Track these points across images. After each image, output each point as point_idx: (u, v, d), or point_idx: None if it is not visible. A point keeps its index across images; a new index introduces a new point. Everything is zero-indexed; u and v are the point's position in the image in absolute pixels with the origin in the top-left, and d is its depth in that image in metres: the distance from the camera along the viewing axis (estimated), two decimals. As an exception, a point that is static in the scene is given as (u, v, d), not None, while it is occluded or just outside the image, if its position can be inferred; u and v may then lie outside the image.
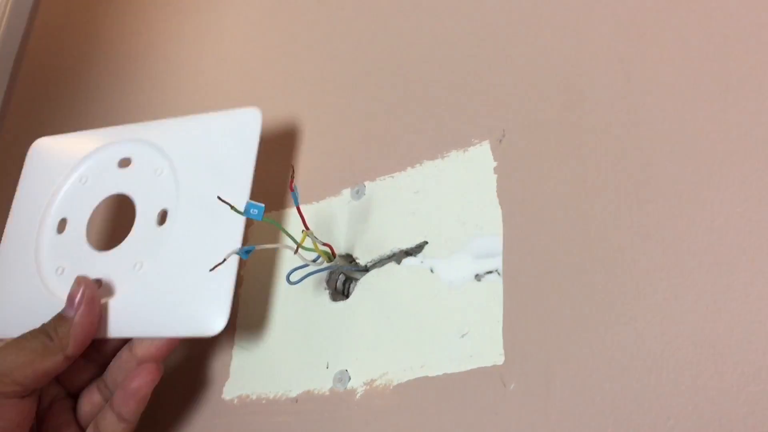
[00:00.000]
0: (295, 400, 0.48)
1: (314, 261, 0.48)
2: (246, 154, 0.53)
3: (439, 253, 0.46)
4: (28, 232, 0.59)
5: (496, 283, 0.42)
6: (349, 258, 0.50)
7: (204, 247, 0.51)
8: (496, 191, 0.45)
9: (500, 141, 0.46)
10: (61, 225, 0.58)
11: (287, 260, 0.53)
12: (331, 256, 0.49)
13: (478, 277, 0.43)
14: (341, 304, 0.49)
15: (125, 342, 0.51)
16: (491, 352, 0.41)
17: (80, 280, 0.50)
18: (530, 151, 0.44)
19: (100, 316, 0.50)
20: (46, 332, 0.48)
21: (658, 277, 0.37)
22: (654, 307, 0.37)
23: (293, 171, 0.44)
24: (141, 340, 0.50)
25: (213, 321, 0.48)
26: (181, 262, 0.51)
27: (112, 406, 0.48)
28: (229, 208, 0.45)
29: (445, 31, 0.53)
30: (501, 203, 0.44)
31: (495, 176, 0.45)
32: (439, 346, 0.43)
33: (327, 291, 0.51)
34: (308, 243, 0.47)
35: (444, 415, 0.41)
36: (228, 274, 0.49)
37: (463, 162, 0.47)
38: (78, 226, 0.57)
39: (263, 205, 0.46)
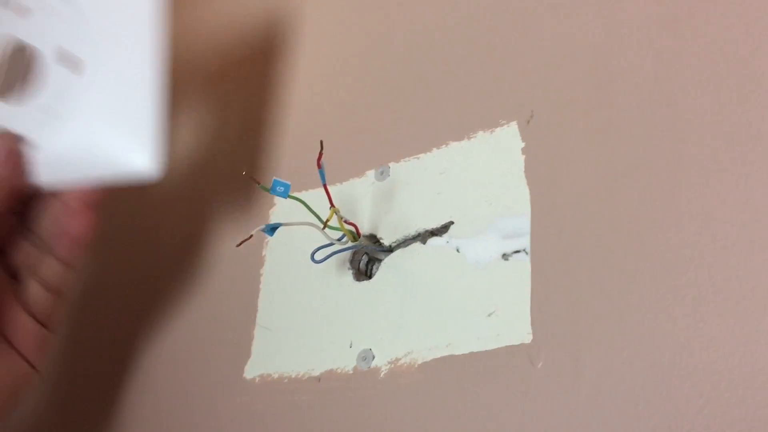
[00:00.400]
0: (318, 379, 0.48)
1: (339, 240, 0.48)
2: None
3: (465, 233, 0.46)
4: None
5: (523, 262, 0.42)
6: (374, 238, 0.50)
7: (121, 84, 0.47)
8: (524, 171, 0.45)
9: (528, 122, 0.46)
10: None
11: (310, 240, 0.53)
12: (356, 235, 0.49)
13: (505, 256, 0.43)
14: (365, 283, 0.49)
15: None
16: (519, 331, 0.41)
17: (3, 134, 0.48)
18: (559, 131, 0.44)
19: (23, 168, 0.48)
20: None
21: (690, 256, 0.37)
22: (686, 285, 0.36)
23: (322, 146, 0.44)
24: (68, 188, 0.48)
25: (138, 158, 0.45)
26: (98, 103, 0.48)
27: (53, 252, 0.48)
28: (258, 186, 0.45)
29: (473, 10, 0.53)
30: (529, 183, 0.44)
31: (523, 157, 0.45)
32: (466, 324, 0.43)
33: (350, 271, 0.51)
34: (334, 222, 0.47)
35: (470, 393, 0.41)
36: (148, 96, 0.46)
37: (491, 143, 0.47)
38: None
39: (289, 183, 0.46)
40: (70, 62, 0.50)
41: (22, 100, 0.51)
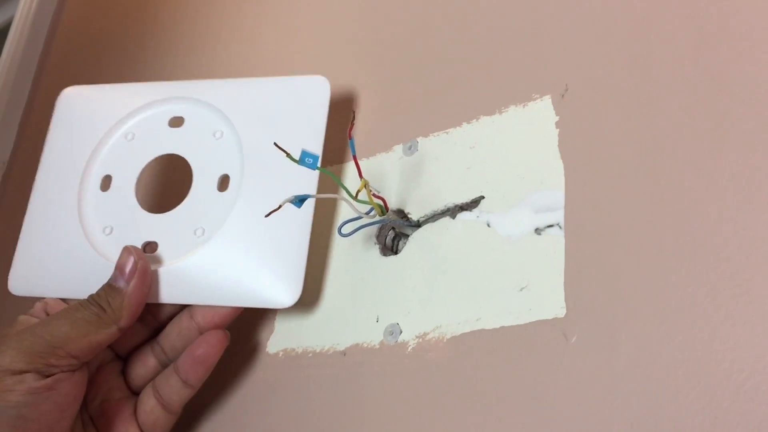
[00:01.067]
0: (343, 353, 0.48)
1: (367, 213, 0.48)
2: (315, 124, 0.50)
3: (496, 208, 0.45)
4: (68, 186, 0.55)
5: (557, 236, 0.42)
6: (401, 213, 0.50)
7: (273, 218, 0.47)
8: (558, 145, 0.44)
9: (563, 95, 0.45)
10: (105, 182, 0.55)
11: (336, 214, 0.53)
12: (384, 209, 0.48)
13: (538, 231, 0.43)
14: (392, 258, 0.49)
15: (182, 307, 0.50)
16: (552, 305, 0.40)
17: (130, 249, 0.48)
18: (595, 105, 0.43)
19: (150, 285, 0.48)
20: (98, 303, 0.47)
21: (732, 231, 0.36)
22: (727, 259, 0.36)
23: (354, 116, 0.43)
24: (202, 306, 0.49)
25: (285, 293, 0.47)
26: (249, 232, 0.49)
27: (177, 372, 0.48)
28: (286, 157, 0.44)
29: (505, -14, 0.52)
30: (563, 157, 0.43)
31: (557, 131, 0.44)
32: (497, 299, 0.42)
33: (377, 246, 0.50)
34: (362, 195, 0.47)
35: (501, 368, 0.41)
36: (300, 245, 0.48)
37: (523, 117, 0.46)
38: (125, 185, 0.54)
39: (318, 154, 0.45)
40: (222, 186, 0.51)
41: (176, 214, 0.52)
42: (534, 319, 0.41)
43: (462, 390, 0.42)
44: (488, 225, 0.45)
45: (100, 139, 0.56)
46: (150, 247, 0.52)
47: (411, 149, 0.51)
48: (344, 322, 0.49)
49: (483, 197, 0.46)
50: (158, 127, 0.55)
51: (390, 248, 0.50)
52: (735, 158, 0.38)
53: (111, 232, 0.53)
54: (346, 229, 0.48)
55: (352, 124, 0.43)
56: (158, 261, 0.50)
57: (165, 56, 0.77)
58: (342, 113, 0.55)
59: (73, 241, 0.53)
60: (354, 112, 0.43)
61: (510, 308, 0.42)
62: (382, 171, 0.52)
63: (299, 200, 0.46)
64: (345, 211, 0.51)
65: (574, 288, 0.40)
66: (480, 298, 0.43)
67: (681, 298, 0.36)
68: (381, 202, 0.48)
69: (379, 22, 0.59)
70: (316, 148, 0.50)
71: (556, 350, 0.39)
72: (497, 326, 0.42)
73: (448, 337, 0.43)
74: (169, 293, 0.49)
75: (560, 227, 0.42)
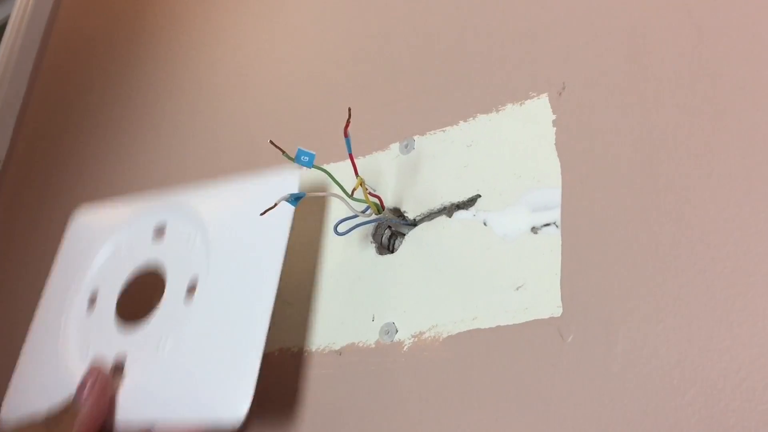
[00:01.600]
0: (339, 352, 0.47)
1: (363, 212, 0.48)
2: (279, 225, 0.48)
3: (492, 206, 0.45)
4: (59, 308, 0.55)
5: (554, 235, 0.41)
6: (397, 212, 0.50)
7: (229, 326, 0.46)
8: (555, 144, 0.44)
9: (560, 94, 0.45)
10: (92, 300, 0.55)
11: (333, 213, 0.53)
12: (380, 207, 0.48)
13: (534, 229, 0.43)
14: (388, 257, 0.49)
15: None
16: (548, 304, 0.40)
17: (93, 370, 0.47)
18: (592, 103, 0.43)
19: (106, 408, 0.46)
20: (47, 423, 0.45)
21: (729, 229, 0.36)
22: (724, 258, 0.36)
23: (350, 114, 0.43)
24: None
25: (233, 410, 0.43)
26: (204, 341, 0.46)
27: None
28: (282, 155, 0.44)
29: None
30: (560, 156, 0.43)
31: (554, 129, 0.44)
32: (493, 298, 0.42)
33: (373, 245, 0.50)
34: (358, 194, 0.46)
35: (497, 367, 0.41)
36: (252, 355, 0.44)
37: (520, 115, 0.46)
38: (108, 300, 0.53)
39: (314, 153, 0.45)
40: (189, 294, 0.50)
41: (145, 328, 0.50)
42: (530, 319, 0.40)
43: (458, 389, 0.41)
44: (485, 224, 0.45)
45: (92, 256, 0.56)
46: (120, 365, 0.50)
47: (407, 147, 0.51)
48: (340, 321, 0.49)
49: (479, 196, 0.46)
50: (143, 238, 0.55)
51: (386, 247, 0.50)
52: (732, 157, 0.37)
53: (87, 351, 0.52)
54: (341, 228, 0.48)
55: (348, 122, 0.43)
56: (122, 379, 0.49)
57: (161, 54, 0.77)
58: (338, 111, 0.55)
59: (51, 362, 0.53)
60: (350, 110, 0.43)
61: (506, 307, 0.41)
62: (379, 169, 0.52)
63: (294, 198, 0.46)
64: (341, 209, 0.51)
65: (571, 287, 0.40)
66: (476, 297, 0.43)
67: (677, 297, 0.36)
68: (377, 201, 0.48)
69: (376, 20, 0.59)
70: (279, 247, 0.47)
71: (553, 349, 0.39)
72: (493, 325, 0.42)
73: (444, 336, 0.43)
74: (120, 415, 0.47)
75: (557, 226, 0.42)
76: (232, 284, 0.48)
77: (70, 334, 0.54)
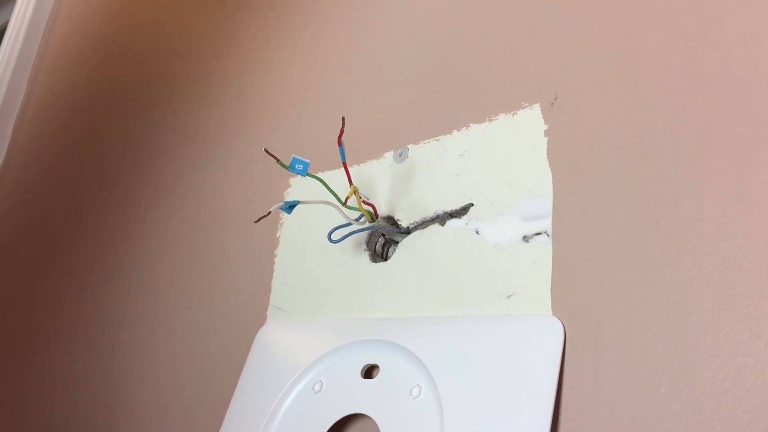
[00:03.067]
0: (332, 359, 0.48)
1: (357, 220, 0.48)
2: (543, 374, 0.37)
3: (485, 215, 0.45)
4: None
5: (545, 244, 0.42)
6: (391, 220, 0.50)
7: None
8: (547, 154, 0.44)
9: (552, 104, 0.45)
10: None
11: (325, 221, 0.53)
12: (373, 216, 0.48)
13: (525, 238, 0.43)
14: (381, 264, 0.49)
15: None
16: (539, 313, 0.40)
17: None
18: (584, 114, 0.44)
19: None
20: None
21: (716, 239, 0.36)
22: (712, 268, 0.36)
23: (344, 122, 0.43)
24: None
25: None
26: None
27: None
28: (276, 162, 0.44)
29: (495, -4, 0.52)
30: (551, 166, 0.44)
31: (545, 139, 0.45)
32: (484, 306, 0.43)
33: (366, 253, 0.50)
34: (352, 202, 0.47)
35: (488, 374, 0.41)
36: None
37: (512, 125, 0.47)
38: None
39: (308, 161, 0.46)
40: None
41: None
42: (521, 327, 0.41)
43: (449, 397, 0.42)
44: (477, 232, 0.45)
45: (287, 386, 0.47)
46: None
47: (401, 156, 0.51)
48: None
49: (472, 205, 0.46)
50: (348, 377, 0.45)
51: (380, 255, 0.50)
52: (721, 167, 0.38)
53: None
54: (336, 236, 0.48)
55: (342, 131, 0.44)
56: None
57: (158, 59, 0.77)
58: (333, 120, 0.55)
59: None
60: (343, 119, 0.44)
61: (497, 315, 0.42)
62: (373, 178, 0.52)
63: (288, 207, 0.46)
64: (335, 217, 0.52)
65: (561, 295, 0.40)
66: (468, 305, 0.43)
67: (666, 306, 0.37)
68: (371, 209, 0.48)
69: (371, 31, 0.59)
70: (545, 416, 0.36)
71: (543, 357, 0.39)
72: (484, 333, 0.42)
73: (436, 343, 0.44)
74: None
75: (548, 235, 0.42)
76: None
77: None
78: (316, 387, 0.46)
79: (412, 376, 0.42)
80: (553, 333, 0.37)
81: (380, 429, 0.41)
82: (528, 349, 0.37)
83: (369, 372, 0.44)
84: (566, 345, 0.39)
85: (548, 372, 0.36)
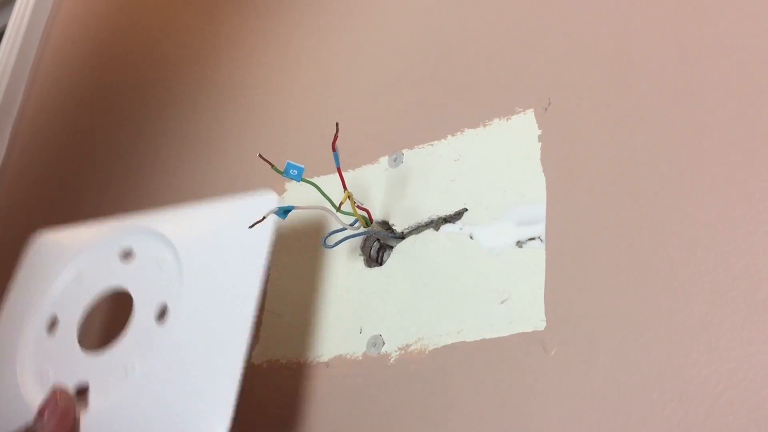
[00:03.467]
0: (327, 364, 0.48)
1: (351, 225, 0.48)
2: (257, 245, 0.47)
3: (479, 220, 0.45)
4: (15, 331, 0.53)
5: (538, 249, 0.42)
6: (386, 225, 0.50)
7: (204, 348, 0.44)
8: (540, 159, 0.44)
9: (545, 109, 0.45)
10: (52, 323, 0.53)
11: (320, 226, 0.53)
12: (368, 220, 0.48)
13: (519, 243, 0.43)
14: (376, 270, 0.49)
15: None
16: (532, 318, 0.40)
17: (55, 392, 0.45)
18: (577, 119, 0.44)
19: (76, 428, 0.44)
20: None
21: (709, 245, 0.37)
22: (704, 273, 0.36)
23: (337, 128, 0.43)
24: None
25: (212, 428, 0.41)
26: (177, 364, 0.45)
27: None
28: (272, 168, 0.44)
29: None
30: (545, 171, 0.44)
31: (539, 144, 0.45)
32: (478, 311, 0.43)
33: (361, 258, 0.50)
34: (346, 207, 0.47)
35: (482, 380, 0.41)
36: (231, 376, 0.42)
37: (506, 130, 0.47)
38: (69, 325, 0.51)
39: (303, 166, 0.46)
40: (161, 317, 0.48)
41: (111, 352, 0.48)
42: (514, 332, 0.41)
43: (443, 401, 0.42)
44: (471, 237, 0.45)
45: (51, 280, 0.55)
46: (82, 390, 0.48)
47: (396, 161, 0.51)
48: (328, 333, 0.49)
49: (466, 210, 0.46)
50: (108, 263, 0.53)
51: (374, 260, 0.50)
52: (714, 172, 0.38)
53: (46, 377, 0.50)
54: (330, 241, 0.48)
55: (336, 136, 0.44)
56: (86, 405, 0.47)
57: (155, 64, 0.77)
58: (327, 125, 0.55)
59: (8, 394, 0.51)
60: (337, 125, 0.44)
61: (491, 321, 0.42)
62: (367, 183, 0.52)
63: (283, 211, 0.46)
64: (330, 222, 0.52)
65: (555, 301, 0.40)
66: (461, 310, 0.43)
67: (659, 312, 0.37)
68: (365, 214, 0.48)
69: (365, 36, 0.59)
70: (257, 273, 0.45)
71: (536, 363, 0.39)
72: (478, 338, 0.42)
73: (430, 348, 0.44)
74: None
75: (541, 240, 0.42)
76: (208, 305, 0.46)
77: (26, 360, 0.52)
78: (79, 274, 0.54)
79: (160, 253, 0.50)
80: (270, 203, 0.48)
81: (132, 295, 0.50)
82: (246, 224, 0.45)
83: (127, 256, 0.53)
84: (560, 350, 0.39)
85: (263, 236, 0.47)
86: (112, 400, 0.46)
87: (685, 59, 0.41)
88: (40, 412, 0.45)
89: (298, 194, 0.56)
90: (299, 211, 0.49)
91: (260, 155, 0.45)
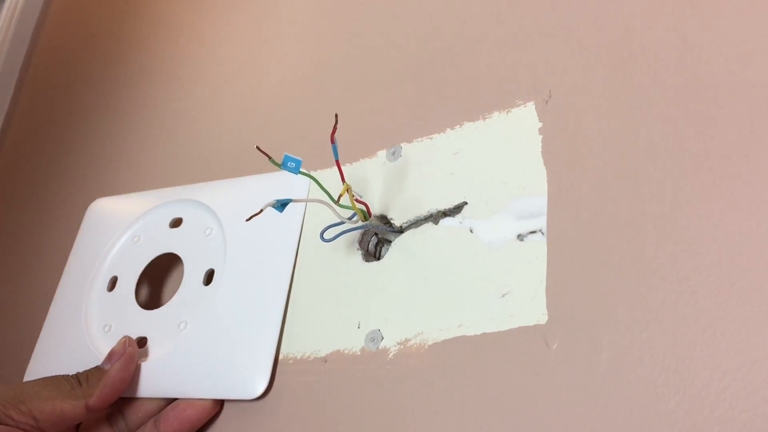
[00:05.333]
0: (324, 360, 0.47)
1: (350, 219, 0.48)
2: (292, 220, 0.53)
3: (479, 214, 0.45)
4: (80, 288, 0.60)
5: (539, 243, 0.42)
6: (384, 219, 0.49)
7: (247, 309, 0.50)
8: (541, 152, 0.44)
9: (546, 102, 0.45)
10: (112, 283, 0.59)
11: (318, 220, 0.52)
12: (366, 214, 0.48)
13: (520, 237, 0.43)
14: (374, 264, 0.48)
15: (153, 416, 0.51)
16: (534, 312, 0.40)
17: (125, 339, 0.51)
18: (578, 112, 0.43)
19: (132, 375, 0.50)
20: (77, 377, 0.49)
21: (713, 237, 0.36)
22: (708, 266, 0.36)
23: (336, 120, 0.43)
24: (167, 416, 0.49)
25: (252, 384, 0.47)
26: (224, 323, 0.51)
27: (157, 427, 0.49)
28: (269, 160, 0.44)
29: (490, -8, 0.52)
30: (546, 164, 0.43)
31: (540, 137, 0.44)
32: (478, 305, 0.42)
33: (359, 252, 0.50)
34: (345, 200, 0.46)
35: (482, 375, 0.40)
36: (270, 334, 0.49)
37: (506, 123, 0.46)
38: (128, 284, 0.58)
39: (300, 159, 0.45)
40: (208, 281, 0.54)
41: (165, 309, 0.54)
42: (515, 326, 0.40)
43: (443, 397, 0.41)
44: (471, 231, 0.45)
45: (111, 243, 0.61)
46: (141, 342, 0.54)
47: (395, 155, 0.51)
48: (326, 328, 0.48)
49: (466, 203, 0.46)
50: (160, 229, 0.59)
51: (373, 254, 0.50)
52: (718, 164, 0.38)
53: (110, 329, 0.56)
54: (328, 235, 0.47)
55: (335, 128, 0.43)
56: (145, 355, 0.53)
57: (149, 59, 0.77)
58: (325, 117, 0.55)
59: (76, 338, 0.57)
60: (336, 116, 0.43)
61: (492, 315, 0.41)
62: (365, 176, 0.52)
63: (281, 204, 0.46)
64: (328, 216, 0.51)
65: (556, 295, 0.40)
66: (461, 304, 0.43)
67: (661, 305, 0.36)
68: (363, 208, 0.48)
69: (364, 28, 0.59)
70: (292, 244, 0.52)
71: (538, 357, 0.39)
72: (479, 333, 0.41)
73: (430, 343, 0.43)
74: (142, 387, 0.51)
75: (542, 233, 0.42)
76: (249, 273, 0.52)
77: (91, 315, 0.58)
78: (135, 239, 0.60)
79: (206, 222, 0.57)
80: (302, 185, 0.53)
81: (183, 260, 0.56)
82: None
83: (177, 223, 0.59)
84: (561, 344, 0.38)
85: (297, 213, 0.53)
86: (167, 351, 0.51)
87: (688, 51, 0.41)
88: (110, 355, 0.51)
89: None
90: (296, 204, 0.49)
91: (258, 147, 0.44)
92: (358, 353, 0.46)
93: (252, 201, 0.54)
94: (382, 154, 0.52)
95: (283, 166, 0.44)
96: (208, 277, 0.54)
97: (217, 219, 0.56)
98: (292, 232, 0.52)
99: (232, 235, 0.54)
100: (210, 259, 0.54)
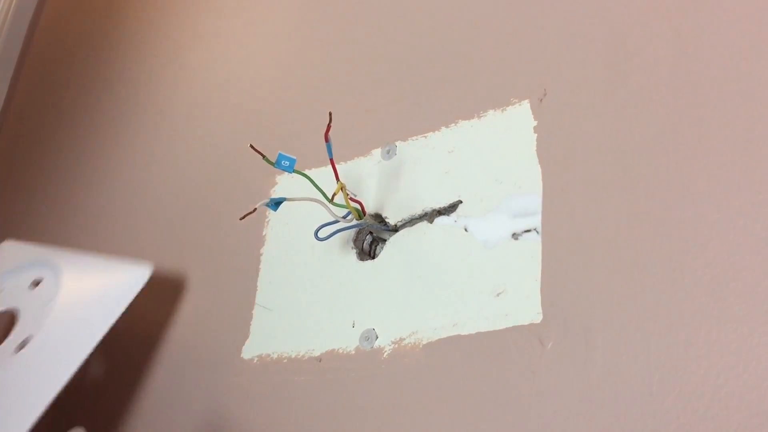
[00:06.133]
0: (319, 359, 0.47)
1: (344, 218, 0.47)
2: (116, 304, 0.53)
3: (474, 212, 0.45)
4: None
5: (534, 241, 0.41)
6: (379, 218, 0.49)
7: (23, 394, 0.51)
8: (536, 150, 0.44)
9: (541, 100, 0.45)
10: None
11: (312, 219, 0.52)
12: (361, 213, 0.48)
13: (515, 235, 0.42)
14: (369, 263, 0.48)
15: None
16: (528, 311, 0.40)
17: None
18: (573, 110, 0.43)
19: None
20: None
21: (708, 236, 0.36)
22: (703, 265, 0.36)
23: (331, 118, 0.43)
24: None
25: None
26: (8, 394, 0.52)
27: None
28: (263, 159, 0.44)
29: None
30: (541, 162, 0.43)
31: (535, 135, 0.44)
32: (473, 304, 0.42)
33: (354, 251, 0.49)
34: (339, 199, 0.46)
35: (477, 373, 0.40)
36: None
37: (501, 121, 0.46)
38: None
39: (295, 158, 0.45)
40: (20, 346, 0.55)
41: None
42: (510, 325, 0.40)
43: (438, 396, 0.41)
44: (466, 230, 0.45)
45: None
46: None
47: (389, 153, 0.51)
48: (320, 327, 0.48)
49: (461, 202, 0.46)
50: (21, 286, 0.61)
51: (367, 253, 0.50)
52: (713, 163, 0.38)
53: None
54: (322, 233, 0.47)
55: (329, 127, 0.43)
56: None
57: (143, 57, 0.76)
58: (320, 116, 0.54)
59: None
60: (330, 115, 0.43)
61: (486, 314, 0.41)
62: (360, 175, 0.51)
63: (275, 203, 0.46)
64: (323, 215, 0.51)
65: (551, 293, 0.40)
66: (456, 303, 0.43)
67: (656, 304, 0.36)
68: (358, 206, 0.47)
69: (360, 27, 0.59)
70: (100, 329, 0.52)
71: (532, 356, 0.39)
72: (473, 332, 0.41)
73: (424, 342, 0.43)
74: None
75: (537, 232, 0.42)
76: (49, 350, 0.53)
77: None
78: None
79: (50, 289, 0.58)
80: (139, 279, 0.55)
81: (16, 324, 0.56)
82: (114, 286, 0.55)
83: (35, 284, 0.60)
84: (556, 343, 0.38)
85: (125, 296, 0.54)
86: None
87: (683, 50, 0.41)
88: None
89: (289, 186, 0.55)
90: (290, 203, 0.48)
91: (251, 146, 0.44)
92: (353, 352, 0.46)
93: (92, 278, 0.57)
94: (377, 152, 0.51)
95: (277, 164, 0.44)
96: (22, 343, 0.55)
97: (60, 290, 0.57)
98: (108, 316, 0.53)
99: (60, 305, 0.55)
100: (34, 326, 0.55)
